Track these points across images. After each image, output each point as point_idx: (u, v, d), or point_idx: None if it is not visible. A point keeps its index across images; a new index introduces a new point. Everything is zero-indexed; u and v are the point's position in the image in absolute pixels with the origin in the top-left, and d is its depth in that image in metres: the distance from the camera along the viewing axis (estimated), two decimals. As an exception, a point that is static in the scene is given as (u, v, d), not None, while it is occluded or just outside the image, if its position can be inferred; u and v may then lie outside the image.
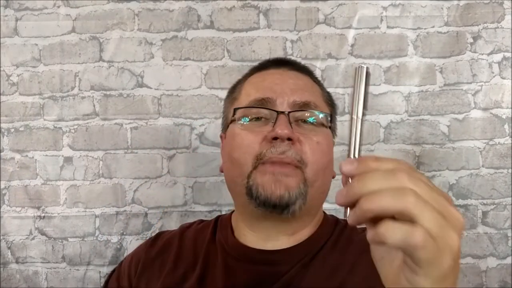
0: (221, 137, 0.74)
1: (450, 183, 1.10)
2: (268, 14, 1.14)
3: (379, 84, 1.13)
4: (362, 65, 0.35)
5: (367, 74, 0.36)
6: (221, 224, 0.71)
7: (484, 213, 1.09)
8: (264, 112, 0.63)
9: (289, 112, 0.61)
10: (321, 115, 0.65)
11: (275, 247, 0.62)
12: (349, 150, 0.37)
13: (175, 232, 0.74)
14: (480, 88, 1.12)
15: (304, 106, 0.63)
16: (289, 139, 0.59)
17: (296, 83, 0.66)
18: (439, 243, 0.31)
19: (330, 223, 0.67)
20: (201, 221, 0.77)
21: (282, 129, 0.59)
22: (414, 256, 0.31)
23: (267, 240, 0.63)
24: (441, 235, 0.31)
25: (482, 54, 1.12)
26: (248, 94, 0.66)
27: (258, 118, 0.63)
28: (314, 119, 0.64)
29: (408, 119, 1.12)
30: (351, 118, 0.36)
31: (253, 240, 0.64)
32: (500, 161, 1.10)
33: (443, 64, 1.12)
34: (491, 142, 1.11)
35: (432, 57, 1.12)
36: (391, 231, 0.31)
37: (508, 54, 1.11)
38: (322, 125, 0.65)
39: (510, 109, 1.11)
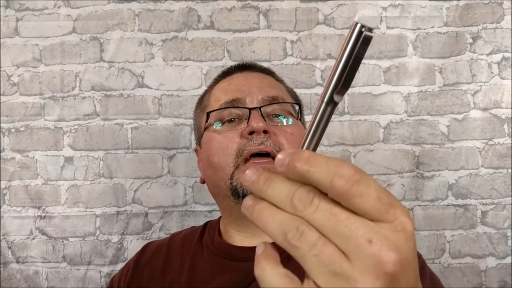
0: (196, 150, 0.75)
1: (450, 183, 1.10)
2: (268, 15, 1.14)
3: (379, 84, 1.13)
4: (358, 22, 0.24)
5: (365, 38, 0.24)
6: (210, 227, 0.73)
7: (484, 213, 1.10)
8: (236, 112, 0.65)
9: (260, 107, 0.63)
10: (292, 106, 0.68)
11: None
12: (304, 139, 0.28)
13: (164, 240, 0.76)
14: (479, 88, 1.12)
15: (273, 100, 0.66)
16: (265, 131, 0.61)
17: (261, 81, 0.69)
18: None
19: None
20: (193, 227, 0.78)
21: (257, 123, 0.61)
22: None
23: (253, 238, 0.64)
24: (334, 285, 0.24)
25: (482, 55, 1.12)
26: (218, 99, 0.68)
27: (231, 120, 0.65)
28: (284, 116, 0.67)
29: (407, 119, 1.12)
30: (323, 102, 0.27)
31: (239, 239, 0.66)
32: (500, 161, 1.10)
33: (442, 64, 1.12)
34: (490, 142, 1.11)
35: (431, 57, 1.13)
36: (267, 278, 0.27)
37: (507, 54, 1.12)
38: (292, 117, 0.68)
39: (510, 109, 1.11)
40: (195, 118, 0.77)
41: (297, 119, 0.69)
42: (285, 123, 0.66)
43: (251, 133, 0.61)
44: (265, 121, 0.62)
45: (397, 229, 0.25)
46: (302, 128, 0.69)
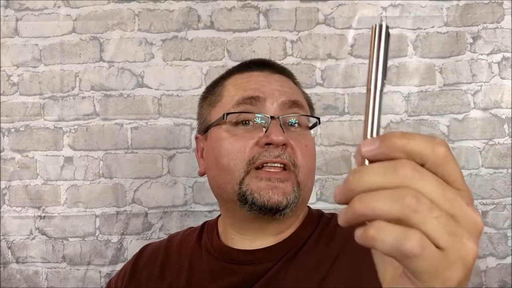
0: (196, 138, 0.72)
1: (450, 183, 1.10)
2: (268, 15, 1.14)
3: (379, 84, 1.13)
4: (381, 23, 0.29)
5: (387, 34, 0.29)
6: (207, 228, 0.71)
7: (484, 213, 1.09)
8: (254, 117, 0.62)
9: (280, 116, 0.61)
10: (312, 120, 0.66)
11: (261, 246, 0.62)
12: (365, 130, 0.30)
13: (162, 241, 0.75)
14: (479, 88, 1.12)
15: (294, 104, 0.64)
16: (283, 144, 0.59)
17: (282, 85, 0.66)
18: (450, 254, 0.26)
19: (314, 217, 0.67)
20: (190, 228, 0.77)
21: (277, 136, 0.58)
22: (409, 267, 0.26)
23: (253, 241, 0.63)
24: (452, 245, 0.26)
25: (482, 54, 1.12)
26: (233, 95, 0.65)
27: (245, 122, 0.62)
28: (299, 125, 0.64)
29: (407, 119, 1.12)
30: (368, 90, 0.30)
31: (239, 242, 0.64)
32: (500, 161, 1.10)
33: (442, 64, 1.12)
34: (490, 142, 1.11)
35: (431, 57, 1.13)
36: (382, 235, 0.25)
37: (507, 54, 1.12)
38: (307, 127, 0.66)
39: (510, 109, 1.11)
40: (202, 107, 0.72)
41: (309, 128, 0.67)
42: (299, 133, 0.64)
43: (268, 144, 0.59)
44: (283, 131, 0.60)
45: (469, 195, 0.28)
46: (313, 139, 0.67)
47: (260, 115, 0.61)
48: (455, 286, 0.26)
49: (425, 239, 0.25)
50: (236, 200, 0.60)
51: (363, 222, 0.27)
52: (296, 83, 0.71)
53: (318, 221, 0.66)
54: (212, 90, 0.70)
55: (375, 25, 0.29)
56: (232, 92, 0.65)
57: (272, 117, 0.61)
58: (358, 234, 0.27)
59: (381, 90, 0.29)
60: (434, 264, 0.26)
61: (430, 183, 0.26)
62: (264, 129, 0.60)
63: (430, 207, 0.25)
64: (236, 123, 0.62)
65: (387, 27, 0.29)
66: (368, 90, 0.30)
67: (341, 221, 0.28)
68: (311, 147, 0.64)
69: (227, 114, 0.62)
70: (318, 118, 0.67)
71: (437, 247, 0.26)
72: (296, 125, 0.64)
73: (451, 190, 0.27)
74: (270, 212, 0.59)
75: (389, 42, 0.29)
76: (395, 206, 0.25)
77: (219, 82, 0.70)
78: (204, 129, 0.68)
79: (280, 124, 0.60)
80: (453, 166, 0.27)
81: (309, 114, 0.68)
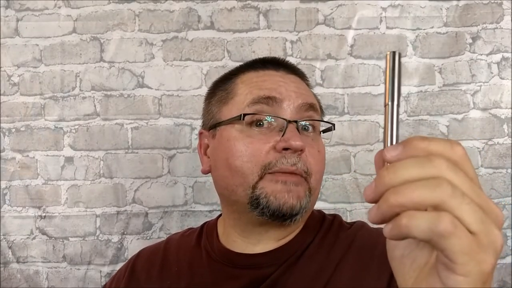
0: (201, 133, 0.68)
1: (449, 183, 1.10)
2: (268, 15, 1.15)
3: (379, 85, 1.13)
4: (394, 51, 0.33)
5: (400, 60, 0.34)
6: (207, 230, 0.70)
7: (483, 213, 1.10)
8: (269, 117, 0.60)
9: (298, 121, 0.59)
10: (326, 125, 0.64)
11: (263, 250, 0.61)
12: (385, 140, 0.32)
13: (160, 243, 0.73)
14: (479, 88, 1.12)
15: (310, 108, 0.62)
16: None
17: (298, 86, 0.64)
18: (481, 238, 0.27)
19: (316, 220, 0.66)
20: (190, 229, 0.76)
21: (295, 141, 0.56)
22: (446, 248, 0.27)
23: (256, 245, 0.62)
24: (483, 230, 0.27)
25: (481, 55, 1.12)
26: (247, 93, 0.62)
27: (259, 124, 0.60)
28: (313, 130, 0.63)
29: (407, 119, 1.12)
30: (387, 105, 0.33)
31: (242, 245, 0.63)
32: (499, 161, 1.11)
33: (442, 64, 1.13)
34: (490, 142, 1.11)
35: (431, 57, 1.13)
36: (415, 221, 0.27)
37: (507, 55, 1.12)
38: (319, 132, 0.64)
39: (509, 109, 1.11)
40: (209, 104, 0.68)
41: (320, 132, 0.66)
42: (313, 138, 0.62)
43: (285, 148, 0.57)
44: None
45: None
46: (324, 145, 0.66)
47: (272, 119, 0.59)
48: (489, 270, 0.28)
49: (456, 220, 0.27)
50: (246, 203, 0.58)
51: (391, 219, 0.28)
52: (308, 84, 0.69)
53: (321, 224, 0.65)
54: (223, 86, 0.66)
55: (390, 52, 0.33)
56: (246, 90, 0.62)
57: (291, 121, 0.58)
58: (388, 228, 0.29)
59: (398, 105, 0.33)
60: (468, 244, 0.27)
61: (461, 176, 0.28)
62: (280, 132, 0.58)
63: (461, 195, 0.27)
64: (250, 123, 0.60)
65: (399, 54, 0.33)
66: (386, 105, 0.33)
67: (373, 217, 0.29)
68: (323, 153, 0.63)
69: (245, 115, 0.59)
70: (333, 124, 0.65)
71: (469, 231, 0.27)
72: (309, 129, 0.62)
73: (476, 185, 0.29)
74: (281, 218, 0.58)
75: (401, 67, 0.33)
76: (433, 193, 0.27)
77: (230, 79, 0.66)
78: (212, 126, 0.65)
79: (297, 128, 0.59)
80: (471, 165, 0.30)
81: (322, 118, 0.67)
